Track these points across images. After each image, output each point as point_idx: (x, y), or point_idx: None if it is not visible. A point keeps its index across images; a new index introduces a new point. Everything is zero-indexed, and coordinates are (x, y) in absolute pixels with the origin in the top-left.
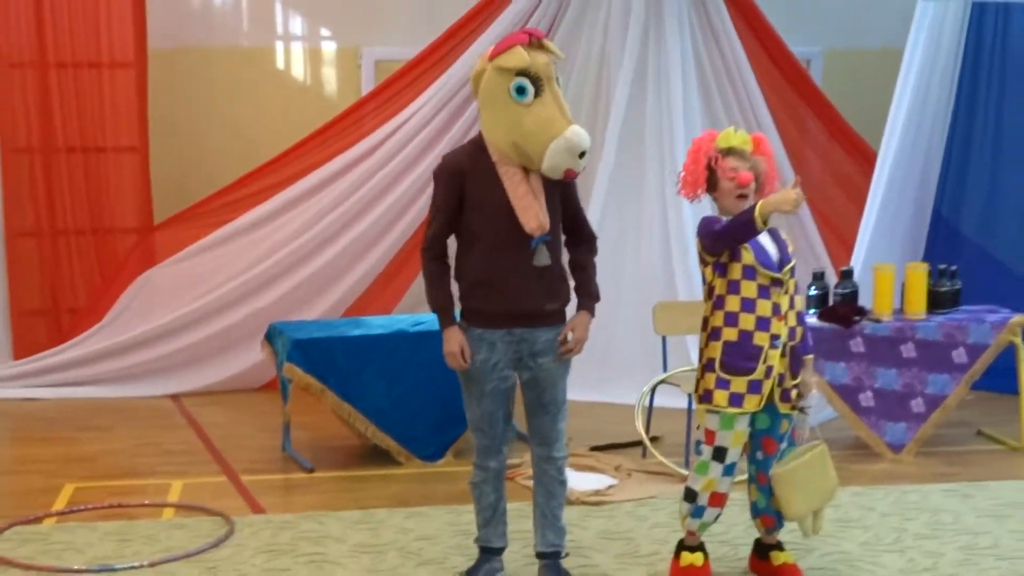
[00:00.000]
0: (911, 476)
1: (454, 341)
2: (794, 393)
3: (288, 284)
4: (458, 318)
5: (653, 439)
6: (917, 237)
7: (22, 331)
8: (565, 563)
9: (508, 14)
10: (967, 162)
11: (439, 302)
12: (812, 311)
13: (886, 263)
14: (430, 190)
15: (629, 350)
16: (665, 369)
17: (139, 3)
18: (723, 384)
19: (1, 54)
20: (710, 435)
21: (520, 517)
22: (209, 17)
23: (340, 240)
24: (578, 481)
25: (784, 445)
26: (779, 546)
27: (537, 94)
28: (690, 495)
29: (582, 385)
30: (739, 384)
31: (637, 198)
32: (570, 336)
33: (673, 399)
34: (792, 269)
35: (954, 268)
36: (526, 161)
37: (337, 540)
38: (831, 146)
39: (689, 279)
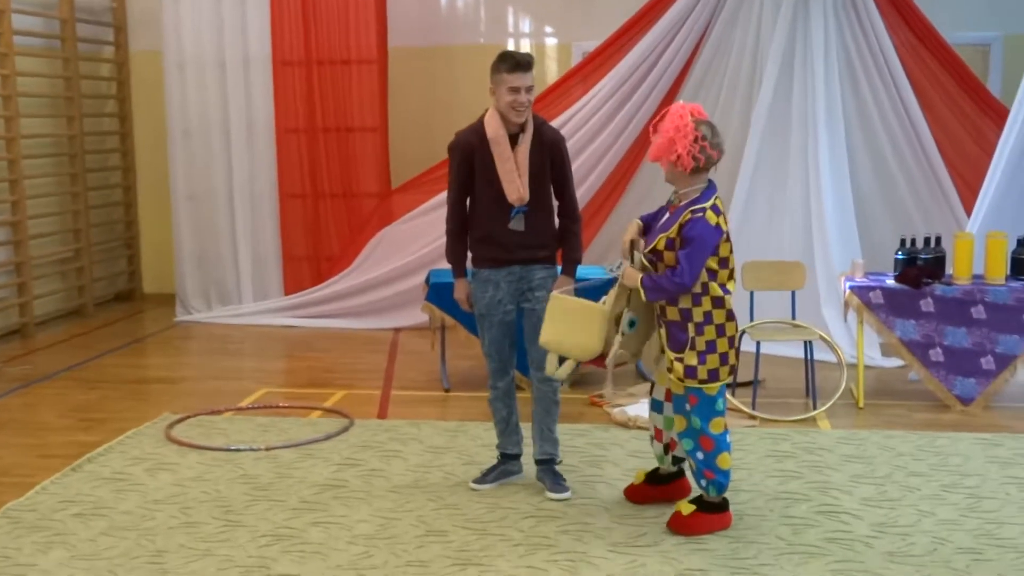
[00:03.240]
0: (970, 425)
1: (462, 290)
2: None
3: None
4: (469, 266)
5: (749, 383)
6: None
7: (290, 273)
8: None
9: (672, 12)
10: None
11: (452, 258)
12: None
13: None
14: (606, 160)
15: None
16: (752, 320)
17: (381, 11)
18: None
19: (277, 55)
20: None
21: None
22: (454, 19)
23: None
24: (637, 409)
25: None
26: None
27: None
28: None
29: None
30: None
31: (782, 177)
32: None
33: (792, 349)
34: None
35: None
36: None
37: (418, 441)
38: (982, 122)
39: (825, 250)
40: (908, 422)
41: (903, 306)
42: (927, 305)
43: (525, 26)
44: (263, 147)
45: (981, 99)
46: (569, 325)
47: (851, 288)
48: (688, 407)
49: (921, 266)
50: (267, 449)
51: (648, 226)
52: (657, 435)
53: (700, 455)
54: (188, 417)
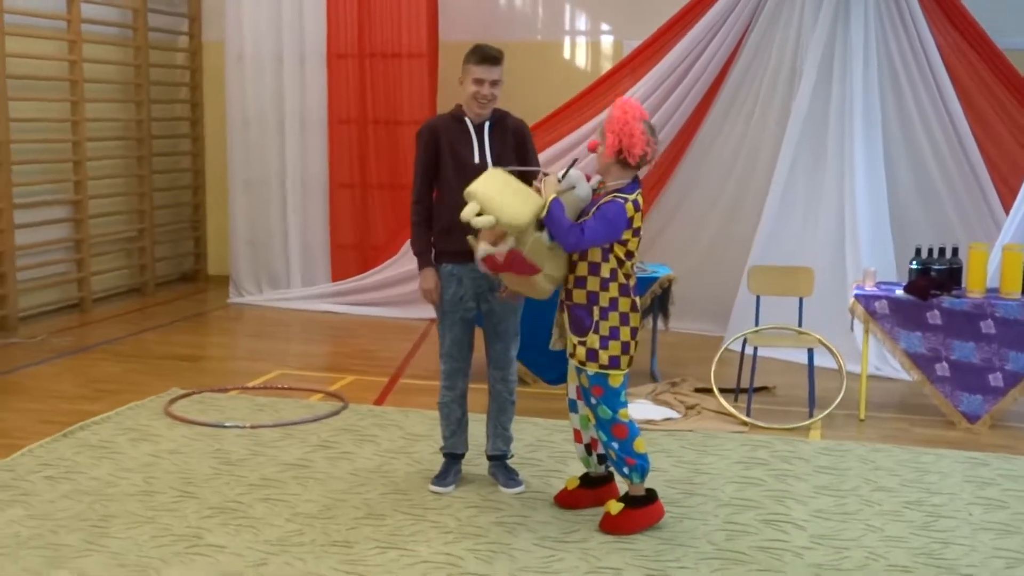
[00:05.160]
0: (971, 444)
1: (431, 279)
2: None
3: None
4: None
5: (764, 388)
6: None
7: (338, 260)
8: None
9: (713, 12)
10: None
11: (419, 248)
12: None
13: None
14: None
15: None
16: (757, 324)
17: (432, 6)
18: None
19: (332, 48)
20: None
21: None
22: (512, 15)
23: None
24: (643, 411)
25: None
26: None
27: None
28: None
29: None
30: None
31: (818, 181)
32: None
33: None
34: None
35: None
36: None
37: (399, 428)
38: None
39: (856, 246)
40: (906, 437)
41: (909, 317)
42: (934, 317)
43: (581, 23)
44: (315, 138)
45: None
46: (506, 189)
47: (856, 296)
48: (594, 400)
49: (932, 277)
50: (252, 427)
51: None
52: (576, 437)
53: (616, 444)
54: (193, 393)
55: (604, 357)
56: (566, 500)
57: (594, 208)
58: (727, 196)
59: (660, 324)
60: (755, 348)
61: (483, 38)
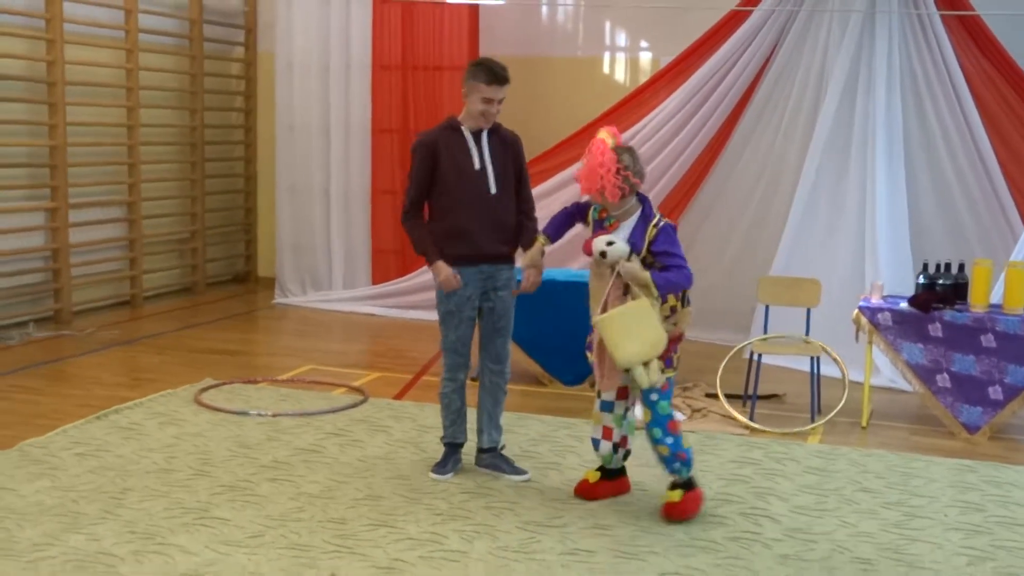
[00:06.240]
0: (968, 454)
1: (447, 269)
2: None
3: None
4: None
5: (775, 396)
6: None
7: (378, 264)
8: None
9: (742, 30)
10: None
11: (426, 246)
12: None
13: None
14: (670, 175)
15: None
16: (765, 332)
17: (474, 21)
18: None
19: (376, 59)
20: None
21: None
22: (553, 31)
23: None
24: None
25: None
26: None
27: None
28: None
29: None
30: None
31: (840, 199)
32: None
33: (825, 367)
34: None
35: None
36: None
37: (412, 420)
38: None
39: (875, 261)
40: (903, 445)
41: (911, 330)
42: (935, 330)
43: (621, 40)
44: (359, 146)
45: None
46: (633, 333)
47: (860, 308)
48: (655, 396)
49: (936, 291)
50: (273, 415)
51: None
52: (607, 434)
53: (670, 440)
54: (224, 384)
55: (672, 360)
56: (589, 492)
57: (645, 245)
58: (752, 210)
59: None
60: (759, 355)
61: (525, 53)
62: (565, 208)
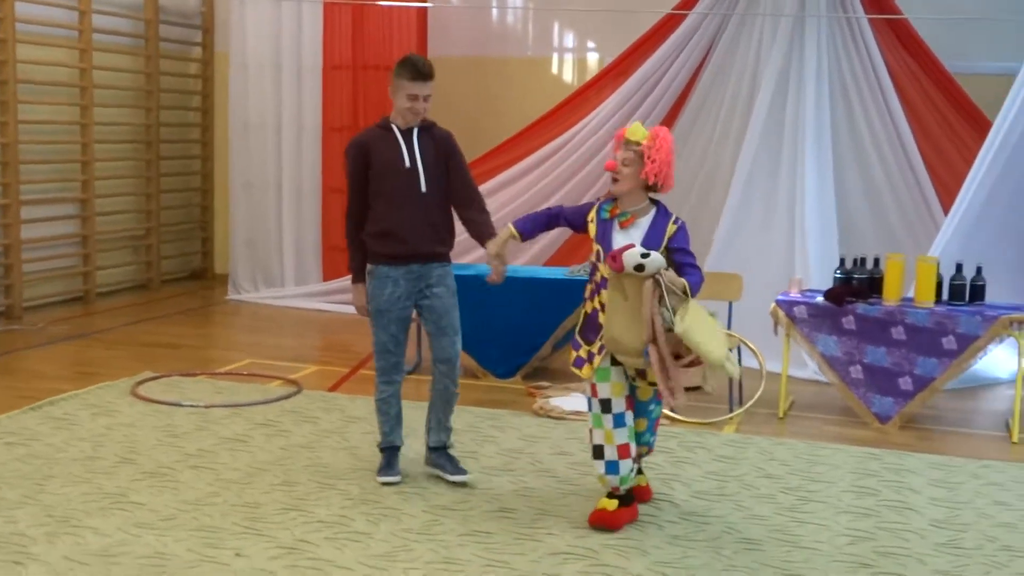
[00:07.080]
0: (878, 442)
1: (360, 299)
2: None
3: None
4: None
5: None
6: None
7: (329, 261)
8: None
9: (678, 32)
10: None
11: (354, 265)
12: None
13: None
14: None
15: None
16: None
17: (422, 22)
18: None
19: (327, 59)
20: (592, 388)
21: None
22: (503, 32)
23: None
24: (575, 404)
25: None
26: (640, 471)
27: None
28: (597, 452)
29: None
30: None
31: (771, 193)
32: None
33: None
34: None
35: (978, 265)
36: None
37: (341, 411)
38: (974, 142)
39: (805, 255)
40: (817, 434)
41: (825, 322)
42: (849, 323)
43: (569, 41)
44: (311, 144)
45: (980, 126)
46: (707, 331)
47: (777, 302)
48: (652, 405)
49: (848, 284)
50: (206, 407)
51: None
52: (624, 452)
53: (654, 439)
54: (162, 376)
55: None
56: (612, 520)
57: (664, 240)
58: (689, 206)
59: None
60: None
61: (476, 53)
62: (549, 208)
